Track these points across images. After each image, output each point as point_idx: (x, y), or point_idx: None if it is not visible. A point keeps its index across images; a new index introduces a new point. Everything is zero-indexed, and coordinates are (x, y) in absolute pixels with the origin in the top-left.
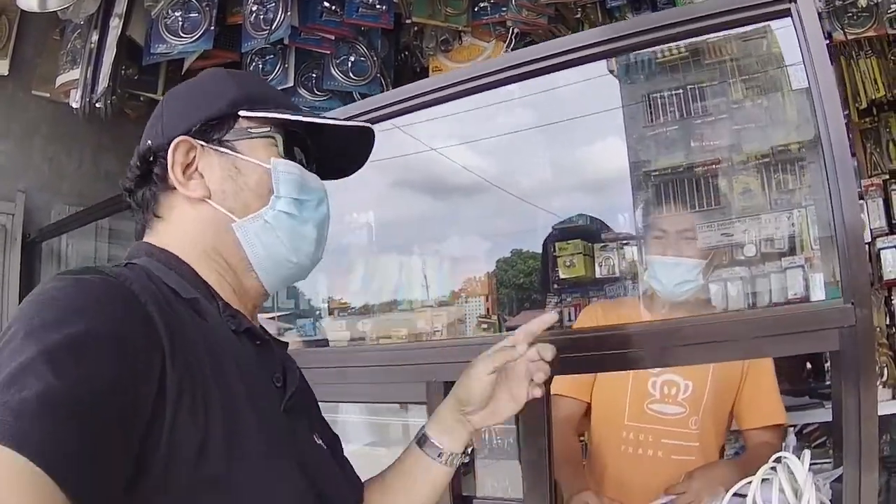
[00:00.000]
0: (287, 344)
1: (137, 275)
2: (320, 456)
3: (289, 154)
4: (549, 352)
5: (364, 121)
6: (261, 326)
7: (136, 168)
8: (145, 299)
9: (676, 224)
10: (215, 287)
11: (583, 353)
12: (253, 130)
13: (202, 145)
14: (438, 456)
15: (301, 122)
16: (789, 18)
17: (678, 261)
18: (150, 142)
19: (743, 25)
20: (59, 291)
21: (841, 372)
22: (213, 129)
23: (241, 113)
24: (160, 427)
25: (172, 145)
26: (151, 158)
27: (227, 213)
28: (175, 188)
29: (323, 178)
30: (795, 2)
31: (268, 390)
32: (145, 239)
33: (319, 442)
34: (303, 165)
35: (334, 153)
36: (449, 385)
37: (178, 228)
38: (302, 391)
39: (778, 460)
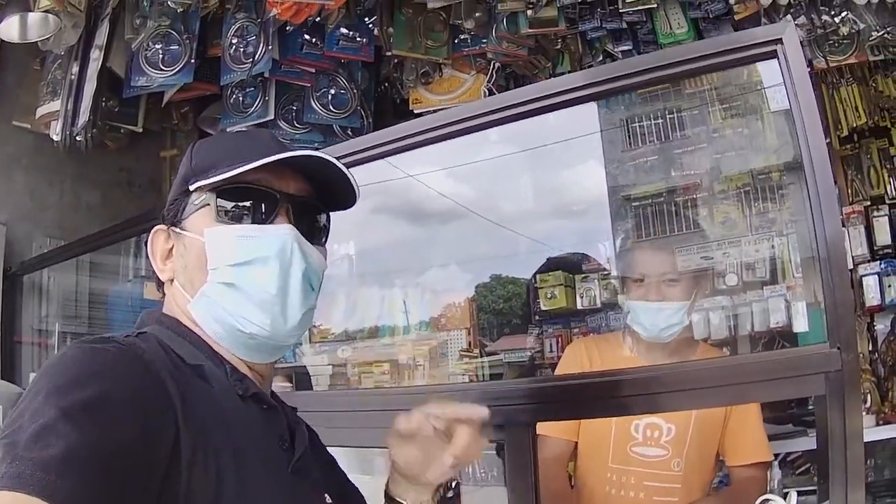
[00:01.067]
0: (296, 409)
1: (149, 344)
2: None
3: (232, 212)
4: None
5: (347, 163)
6: (272, 393)
7: None
8: (158, 367)
9: (657, 267)
10: (221, 353)
11: (567, 400)
12: (195, 202)
13: (170, 231)
14: None
15: (242, 172)
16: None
17: (661, 306)
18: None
19: (730, 67)
20: (76, 358)
21: (826, 415)
22: (173, 211)
23: (191, 187)
24: (176, 484)
25: (151, 234)
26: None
27: (184, 293)
28: None
29: (333, 209)
30: (782, 43)
31: (274, 453)
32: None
33: (329, 502)
34: (262, 216)
35: (326, 185)
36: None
37: (171, 303)
38: (315, 452)
39: (765, 502)
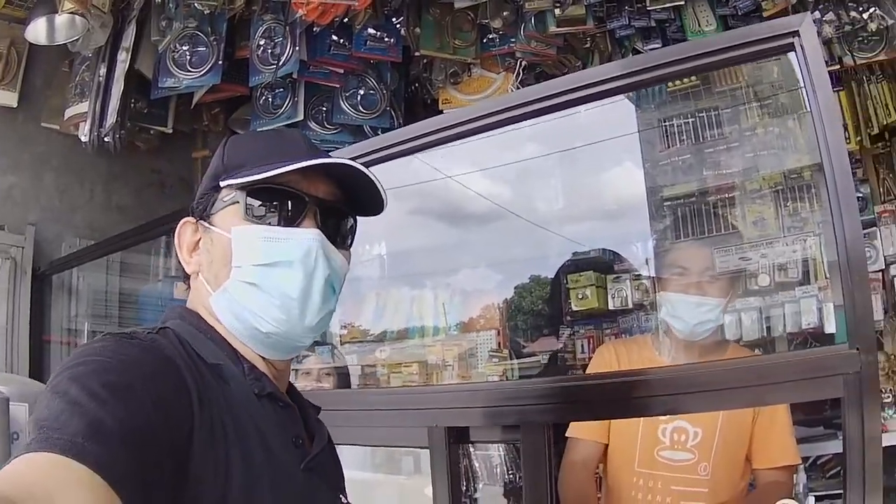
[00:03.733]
0: (319, 408)
1: (170, 340)
2: None
3: (260, 212)
4: None
5: (375, 159)
6: (289, 390)
7: None
8: (179, 363)
9: (698, 262)
10: (242, 352)
11: (594, 400)
12: (225, 199)
13: (197, 223)
14: None
15: (273, 175)
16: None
17: (701, 300)
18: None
19: (748, 61)
20: (103, 347)
21: (845, 416)
22: (202, 205)
23: (221, 184)
24: (186, 476)
25: (178, 228)
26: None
27: (207, 287)
28: None
29: (360, 214)
30: (799, 36)
31: (286, 450)
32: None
33: (346, 502)
34: (290, 218)
35: (355, 190)
36: (452, 430)
37: (195, 297)
38: (332, 455)
39: None
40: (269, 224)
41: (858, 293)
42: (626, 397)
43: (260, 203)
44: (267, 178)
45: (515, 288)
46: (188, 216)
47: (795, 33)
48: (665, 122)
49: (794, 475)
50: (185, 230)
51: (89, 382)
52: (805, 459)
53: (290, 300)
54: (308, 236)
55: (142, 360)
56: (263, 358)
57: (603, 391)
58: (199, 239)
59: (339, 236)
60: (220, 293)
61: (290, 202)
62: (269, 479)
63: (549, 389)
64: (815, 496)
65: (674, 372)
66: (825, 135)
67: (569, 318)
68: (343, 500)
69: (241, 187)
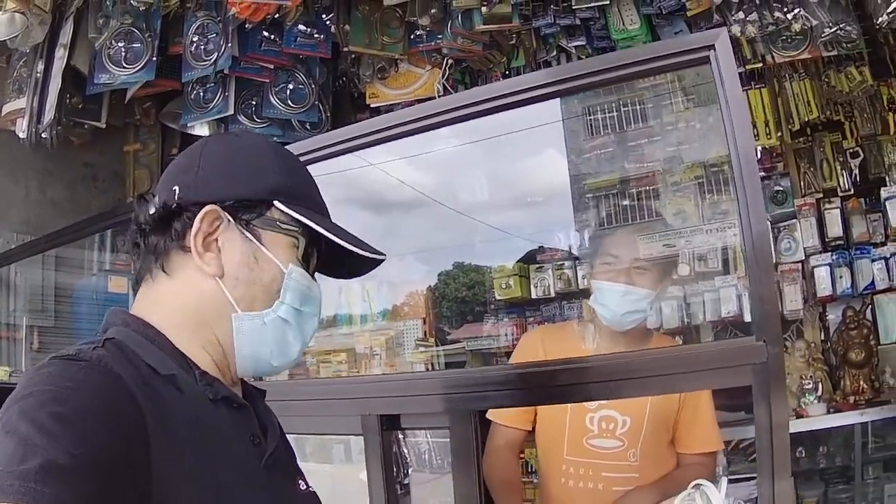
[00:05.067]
0: (265, 392)
1: (114, 356)
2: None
3: (305, 259)
4: None
5: (309, 159)
6: (239, 385)
7: (158, 212)
8: (128, 380)
9: (630, 252)
10: (195, 357)
11: (519, 389)
12: (282, 224)
13: (230, 221)
14: None
15: (327, 233)
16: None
17: (628, 289)
18: (177, 189)
19: (666, 72)
20: (50, 375)
21: (755, 405)
22: (245, 209)
23: (277, 203)
24: (148, 493)
25: (202, 212)
26: (176, 209)
27: (233, 301)
28: (190, 251)
29: (328, 275)
30: (714, 49)
31: (246, 450)
32: (143, 289)
33: (305, 488)
34: (313, 268)
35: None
36: (384, 418)
37: (179, 294)
38: (284, 449)
39: (697, 486)
40: (306, 271)
41: (764, 288)
42: (551, 385)
43: (310, 251)
44: (331, 236)
45: (439, 276)
46: (211, 203)
47: (711, 47)
48: (591, 113)
49: (715, 458)
50: (208, 219)
51: (39, 416)
52: (728, 443)
53: (304, 343)
54: (320, 293)
55: (90, 382)
56: (214, 360)
57: (528, 379)
58: (216, 234)
59: None
60: (250, 317)
61: (316, 256)
62: (236, 482)
63: (476, 378)
64: (735, 478)
65: (596, 361)
66: (735, 139)
67: (492, 306)
68: (302, 485)
69: (303, 230)
